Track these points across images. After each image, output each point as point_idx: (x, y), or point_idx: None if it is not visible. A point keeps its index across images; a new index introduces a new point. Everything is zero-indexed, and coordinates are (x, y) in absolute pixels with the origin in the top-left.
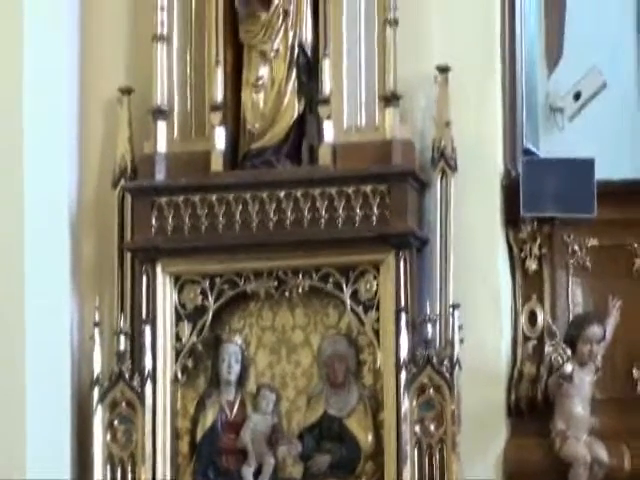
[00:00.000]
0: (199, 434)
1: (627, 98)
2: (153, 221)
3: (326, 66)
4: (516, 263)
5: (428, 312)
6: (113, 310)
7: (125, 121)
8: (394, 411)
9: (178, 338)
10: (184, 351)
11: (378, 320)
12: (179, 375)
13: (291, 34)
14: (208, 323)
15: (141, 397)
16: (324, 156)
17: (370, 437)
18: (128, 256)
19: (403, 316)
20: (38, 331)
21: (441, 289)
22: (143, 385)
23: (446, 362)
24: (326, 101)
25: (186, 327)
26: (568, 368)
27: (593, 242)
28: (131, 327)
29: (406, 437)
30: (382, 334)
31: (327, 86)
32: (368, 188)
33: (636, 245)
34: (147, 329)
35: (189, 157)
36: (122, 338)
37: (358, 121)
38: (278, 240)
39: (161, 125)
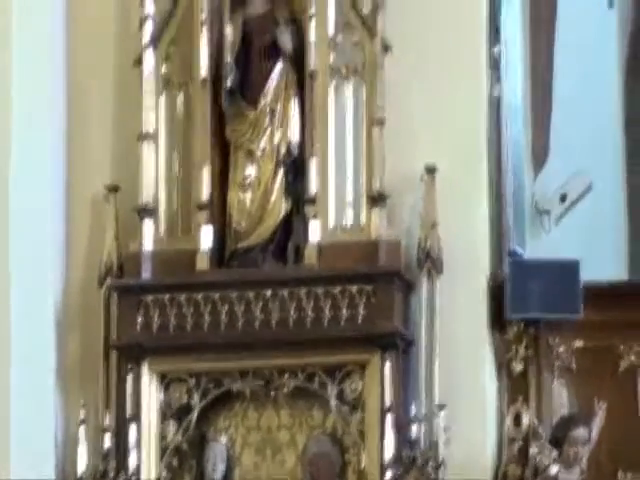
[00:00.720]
0: None
1: (613, 200)
2: (139, 319)
3: (313, 166)
4: (502, 364)
5: (413, 413)
6: (98, 408)
7: (111, 219)
8: None
9: (163, 437)
10: (169, 450)
11: (363, 420)
12: (164, 474)
13: (278, 133)
14: (193, 422)
15: None
16: (310, 256)
17: None
18: (114, 354)
19: (388, 416)
20: (23, 429)
21: (427, 390)
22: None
23: (431, 463)
24: (312, 201)
25: (171, 425)
26: (553, 470)
27: (578, 344)
28: (116, 425)
29: None
30: (367, 434)
31: (313, 186)
32: (354, 288)
33: (621, 347)
34: (132, 427)
35: (175, 255)
36: (107, 436)
37: (344, 221)
38: (264, 339)
39: (147, 223)
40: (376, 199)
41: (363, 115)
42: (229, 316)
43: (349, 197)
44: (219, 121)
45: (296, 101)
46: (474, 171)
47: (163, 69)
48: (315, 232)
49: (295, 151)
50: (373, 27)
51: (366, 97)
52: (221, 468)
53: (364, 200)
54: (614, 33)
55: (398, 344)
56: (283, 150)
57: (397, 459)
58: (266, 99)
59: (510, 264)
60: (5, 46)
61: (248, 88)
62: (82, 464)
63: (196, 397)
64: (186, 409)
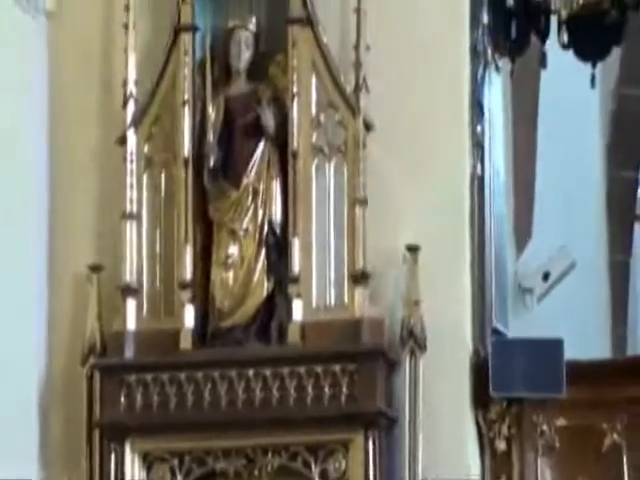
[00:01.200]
0: None
1: (596, 278)
2: (122, 399)
3: (295, 245)
4: (485, 443)
5: None
6: None
7: (94, 298)
8: None
9: None
10: None
11: None
12: None
13: (261, 213)
14: None
15: None
16: (293, 335)
17: None
18: (97, 433)
19: None
20: None
21: (410, 468)
22: None
23: None
24: (295, 280)
25: None
26: None
27: (562, 422)
28: None
29: None
30: None
31: (296, 265)
32: (337, 367)
33: (605, 425)
34: None
35: (158, 335)
36: None
37: (327, 300)
38: (247, 419)
39: (130, 303)
40: (358, 278)
41: (345, 194)
42: (212, 395)
43: (332, 276)
44: (202, 200)
45: (278, 180)
46: (456, 249)
47: (145, 149)
48: (298, 311)
49: (278, 230)
50: (356, 106)
51: (348, 176)
52: None
53: (346, 279)
54: (596, 112)
55: (381, 423)
56: (266, 229)
57: None
58: (249, 178)
59: (493, 342)
60: None
61: (230, 167)
62: None
63: (179, 477)
64: None
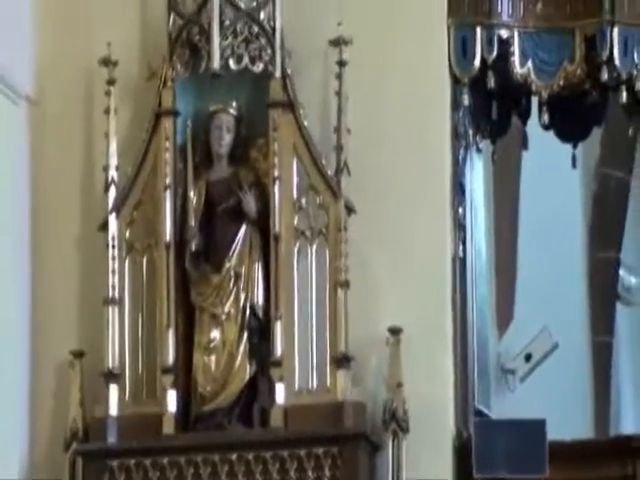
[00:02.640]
0: None
1: (579, 358)
2: None
3: (277, 329)
4: None
5: None
6: None
7: (77, 385)
8: None
9: None
10: None
11: None
12: None
13: (242, 296)
14: None
15: None
16: (276, 418)
17: None
18: None
19: None
20: None
21: None
22: None
23: None
24: (278, 363)
25: None
26: None
27: None
28: None
29: None
30: None
31: (279, 348)
32: (320, 450)
33: None
34: None
35: (141, 420)
36: None
37: (310, 383)
38: None
39: (113, 388)
40: (341, 361)
41: (327, 277)
42: None
43: (314, 359)
44: (184, 285)
45: (260, 264)
46: (438, 332)
47: (127, 234)
48: (281, 395)
49: (260, 314)
50: (337, 189)
51: (330, 259)
52: None
53: (329, 362)
54: (578, 192)
55: None
56: (248, 313)
57: None
58: (230, 262)
59: (475, 423)
60: None
61: (212, 251)
62: None
63: None
64: None
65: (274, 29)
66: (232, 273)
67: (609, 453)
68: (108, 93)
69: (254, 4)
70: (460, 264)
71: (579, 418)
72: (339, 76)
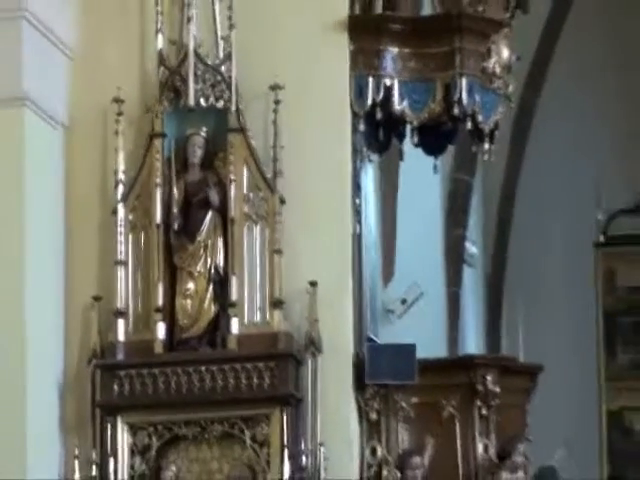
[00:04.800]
0: None
1: (438, 302)
2: (115, 387)
3: (233, 282)
4: (362, 415)
5: (303, 447)
6: (88, 447)
7: (95, 319)
8: None
9: (132, 466)
10: (136, 476)
11: (269, 454)
12: None
13: (209, 260)
14: (152, 457)
15: None
16: (231, 343)
17: None
18: (98, 411)
19: (286, 451)
20: (36, 461)
21: (312, 432)
22: None
23: None
24: (233, 305)
25: (137, 459)
26: None
27: (415, 400)
28: (100, 459)
29: None
30: (272, 463)
31: (234, 295)
32: (262, 365)
33: (443, 402)
34: (111, 460)
35: (140, 344)
36: (94, 467)
37: (255, 318)
38: (200, 400)
39: (120, 322)
40: (276, 304)
41: (267, 247)
42: (177, 384)
43: (258, 302)
44: (169, 252)
45: (221, 238)
46: (343, 285)
47: (130, 217)
48: (235, 326)
49: (221, 272)
50: (273, 187)
51: (269, 234)
52: (171, 471)
53: (268, 305)
54: (438, 189)
55: (292, 402)
56: (213, 271)
57: (292, 478)
58: (201, 236)
59: (367, 346)
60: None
61: (188, 229)
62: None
63: (154, 440)
64: (147, 448)
65: (231, 78)
66: (202, 244)
67: (458, 367)
68: (117, 122)
69: (217, 61)
70: (357, 238)
71: (438, 343)
72: (275, 111)
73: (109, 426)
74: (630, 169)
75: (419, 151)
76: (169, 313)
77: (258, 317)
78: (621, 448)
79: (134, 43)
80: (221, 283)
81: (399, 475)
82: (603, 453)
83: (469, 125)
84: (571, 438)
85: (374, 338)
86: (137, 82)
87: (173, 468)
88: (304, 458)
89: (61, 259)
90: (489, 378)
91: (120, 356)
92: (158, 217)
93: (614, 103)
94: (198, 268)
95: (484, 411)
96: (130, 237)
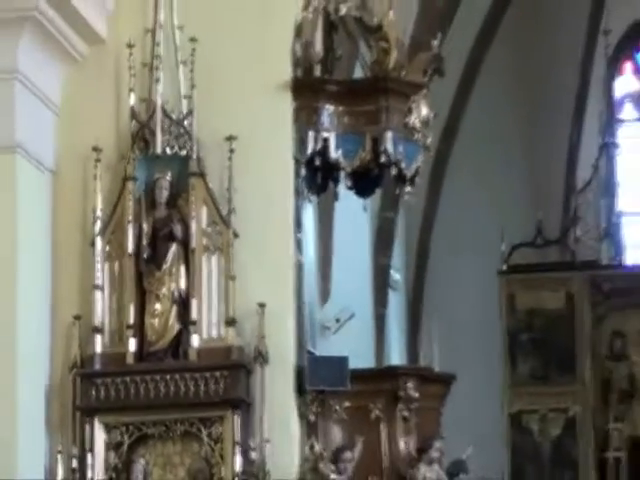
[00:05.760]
0: None
1: (367, 322)
2: (93, 392)
3: (193, 304)
4: (303, 416)
5: (252, 445)
6: (69, 444)
7: (76, 335)
8: None
9: (107, 460)
10: (110, 468)
11: (223, 449)
12: None
13: (173, 284)
14: (125, 451)
15: None
16: (192, 355)
17: None
18: (78, 413)
19: (237, 447)
20: (27, 458)
21: (259, 430)
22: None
23: (262, 473)
24: (194, 323)
25: (112, 454)
26: (332, 476)
27: (347, 404)
28: (79, 454)
29: None
30: (225, 458)
31: (194, 314)
32: (218, 373)
33: (371, 405)
34: (89, 455)
35: (114, 355)
36: (74, 460)
37: (212, 334)
38: (166, 403)
39: (98, 337)
40: (230, 322)
41: (222, 274)
42: (145, 390)
43: (215, 321)
44: (139, 278)
45: (183, 266)
46: (286, 306)
47: (107, 248)
48: (195, 341)
49: (183, 295)
50: (228, 223)
51: (224, 264)
52: (141, 478)
53: (223, 323)
54: (367, 225)
55: (242, 405)
56: (176, 294)
57: (243, 472)
58: (166, 264)
59: (307, 358)
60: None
61: (156, 259)
62: (60, 476)
63: (126, 437)
64: (120, 444)
65: (192, 130)
66: (167, 271)
67: (383, 376)
68: (96, 167)
69: (181, 116)
70: (299, 266)
71: (366, 355)
72: (229, 158)
73: (87, 426)
74: (529, 209)
75: (351, 193)
76: (139, 329)
77: (215, 333)
78: (520, 445)
79: (110, 100)
80: (183, 304)
81: (333, 468)
82: (506, 450)
83: (394, 171)
84: (479, 436)
85: (313, 351)
86: (113, 133)
87: (142, 461)
88: (252, 453)
89: (48, 284)
90: (409, 385)
91: (97, 366)
92: (130, 248)
93: (517, 153)
94: (164, 291)
95: (405, 413)
96: (106, 265)
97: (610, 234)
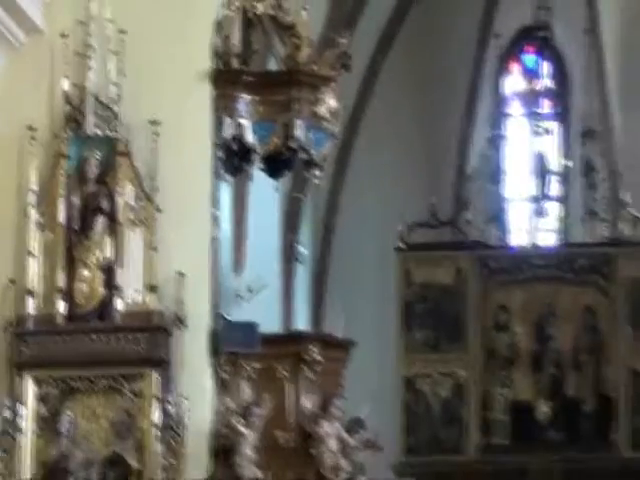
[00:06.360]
0: None
1: (275, 291)
2: (26, 350)
3: (119, 271)
4: (216, 375)
5: (169, 399)
6: (4, 397)
7: (12, 297)
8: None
9: (37, 412)
10: (40, 419)
11: (143, 402)
12: (37, 430)
13: (100, 253)
14: (53, 403)
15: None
16: (117, 318)
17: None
18: (13, 368)
19: (156, 402)
20: None
21: (177, 388)
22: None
23: (180, 425)
24: (117, 288)
25: (42, 406)
26: (243, 430)
27: (257, 365)
28: (12, 405)
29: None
30: (145, 411)
31: (119, 280)
32: (140, 335)
33: (279, 367)
34: (22, 407)
35: (45, 317)
36: (7, 411)
37: (136, 299)
38: (91, 361)
39: (30, 299)
40: (152, 288)
41: (145, 245)
42: (73, 348)
43: (138, 287)
44: (69, 246)
45: (110, 237)
46: (203, 276)
47: (42, 220)
48: (120, 305)
49: (110, 263)
50: (152, 199)
51: (147, 236)
52: (67, 427)
53: (145, 289)
54: (277, 204)
55: (162, 364)
56: (103, 262)
57: (161, 424)
58: (94, 235)
59: (221, 323)
60: None
61: (85, 230)
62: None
63: (55, 390)
64: (49, 397)
65: (120, 114)
66: (95, 241)
67: (290, 340)
68: (31, 145)
69: (110, 101)
70: (215, 240)
71: (275, 321)
72: (154, 140)
73: (19, 379)
74: (425, 193)
75: (264, 175)
76: (68, 293)
77: (137, 298)
78: (413, 405)
79: (46, 85)
80: (109, 271)
81: (243, 422)
82: (400, 409)
83: (303, 156)
84: (376, 397)
85: (227, 317)
86: (48, 115)
87: (69, 412)
88: (170, 407)
89: None
90: (314, 349)
91: (30, 326)
92: (62, 219)
93: (415, 143)
94: (92, 259)
95: (309, 375)
96: (39, 234)
97: (497, 218)
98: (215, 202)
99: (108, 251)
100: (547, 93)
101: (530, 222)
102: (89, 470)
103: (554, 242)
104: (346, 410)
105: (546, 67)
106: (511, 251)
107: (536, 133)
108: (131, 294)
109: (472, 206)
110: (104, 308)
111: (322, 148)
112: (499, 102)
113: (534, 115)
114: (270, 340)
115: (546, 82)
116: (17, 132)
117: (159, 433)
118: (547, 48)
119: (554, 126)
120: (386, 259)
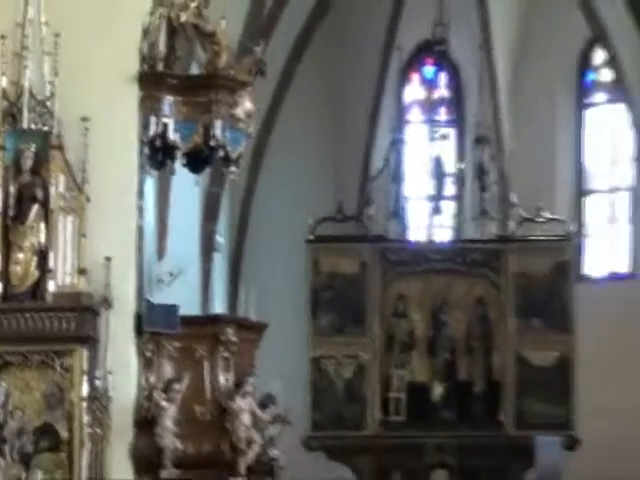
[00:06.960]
0: None
1: (195, 276)
2: None
3: (51, 255)
4: (140, 353)
5: (96, 374)
6: None
7: None
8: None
9: None
10: None
11: (72, 378)
12: None
13: (34, 238)
14: None
15: None
16: (49, 298)
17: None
18: None
19: (84, 376)
20: None
21: (103, 364)
22: None
23: (104, 399)
24: (51, 271)
25: None
26: (164, 404)
27: (177, 344)
28: None
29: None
30: (74, 385)
31: (51, 263)
32: (70, 314)
33: (197, 347)
34: None
35: None
36: None
37: (66, 281)
38: (25, 337)
39: None
40: (81, 272)
41: (76, 231)
42: (8, 325)
43: (68, 270)
44: (6, 231)
45: (44, 223)
46: (129, 261)
47: None
48: (51, 287)
49: (43, 247)
50: (82, 189)
51: (77, 223)
52: (1, 398)
53: (76, 272)
54: (198, 196)
55: (90, 341)
56: (36, 247)
57: (88, 397)
58: (29, 221)
59: (145, 305)
60: None
61: (20, 216)
62: None
63: None
64: None
65: (54, 110)
66: (30, 227)
67: (208, 322)
68: None
69: (45, 98)
70: (140, 228)
71: (194, 305)
72: (85, 135)
73: None
74: (332, 191)
75: (186, 169)
76: (4, 275)
77: (68, 281)
78: (319, 384)
79: None
80: (42, 255)
81: (164, 396)
82: (307, 387)
83: (221, 153)
84: (286, 375)
85: (150, 299)
86: None
87: (4, 384)
88: (97, 382)
89: None
90: (229, 331)
91: None
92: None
93: (323, 145)
94: (26, 244)
95: (225, 354)
96: None
97: (397, 214)
98: (140, 194)
99: (42, 237)
100: (444, 102)
101: (427, 219)
102: (22, 438)
103: (449, 238)
104: (258, 387)
105: (443, 78)
106: (410, 245)
107: (434, 138)
108: (62, 277)
109: (375, 203)
110: (37, 289)
111: (238, 146)
112: (400, 109)
113: (432, 122)
114: (190, 322)
115: (443, 92)
116: None
117: (87, 405)
118: (444, 60)
119: (450, 132)
120: (296, 250)
